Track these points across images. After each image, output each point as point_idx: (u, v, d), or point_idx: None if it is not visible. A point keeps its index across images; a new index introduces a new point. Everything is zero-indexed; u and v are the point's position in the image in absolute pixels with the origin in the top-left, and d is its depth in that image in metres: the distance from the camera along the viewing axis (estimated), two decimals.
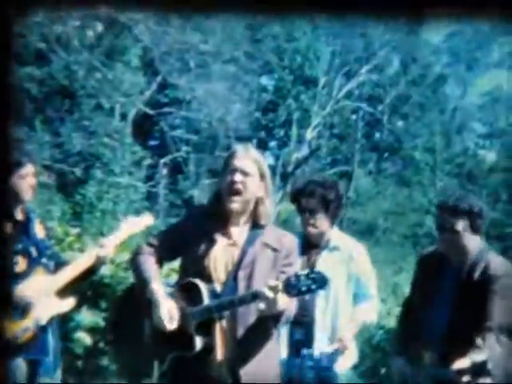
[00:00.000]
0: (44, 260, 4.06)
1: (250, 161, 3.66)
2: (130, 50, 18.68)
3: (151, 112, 20.98)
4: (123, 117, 20.61)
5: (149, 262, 3.71)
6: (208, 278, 3.57)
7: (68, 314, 4.60)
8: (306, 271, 3.36)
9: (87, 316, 5.50)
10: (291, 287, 3.35)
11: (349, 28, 24.97)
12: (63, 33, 12.27)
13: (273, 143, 28.92)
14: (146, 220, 4.27)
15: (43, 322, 3.94)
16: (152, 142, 24.42)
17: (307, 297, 4.04)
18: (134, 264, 3.74)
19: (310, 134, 26.45)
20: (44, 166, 16.44)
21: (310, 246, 4.44)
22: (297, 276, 3.36)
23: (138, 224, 4.25)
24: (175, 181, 24.11)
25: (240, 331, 3.55)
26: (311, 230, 4.39)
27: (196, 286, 3.55)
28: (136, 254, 3.75)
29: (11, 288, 3.88)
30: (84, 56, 16.67)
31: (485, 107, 30.11)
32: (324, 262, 4.35)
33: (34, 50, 17.82)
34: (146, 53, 18.69)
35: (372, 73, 26.75)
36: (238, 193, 3.60)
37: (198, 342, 3.50)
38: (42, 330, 3.94)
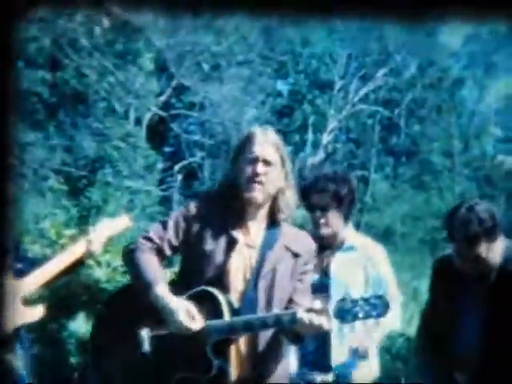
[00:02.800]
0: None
1: (271, 147, 3.20)
2: (143, 53, 18.52)
3: (164, 115, 20.80)
4: (137, 121, 20.48)
5: (150, 260, 3.14)
6: (224, 287, 3.08)
7: (62, 323, 4.09)
8: (365, 295, 3.02)
9: (83, 325, 4.94)
10: (345, 313, 2.96)
11: (365, 31, 24.72)
12: (70, 29, 12.06)
13: (288, 148, 28.65)
14: (123, 222, 3.70)
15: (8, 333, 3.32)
16: (167, 149, 24.27)
17: None
18: (131, 263, 3.18)
19: (325, 138, 26.19)
20: (55, 170, 16.33)
21: (322, 246, 3.92)
22: (353, 301, 2.96)
23: (113, 227, 3.65)
24: (189, 186, 23.91)
25: (258, 351, 3.13)
26: (323, 229, 3.95)
27: (212, 297, 3.04)
28: (131, 251, 3.18)
29: None
30: (96, 59, 16.53)
31: (503, 111, 29.71)
32: (338, 265, 3.96)
33: (46, 54, 17.73)
34: (160, 56, 18.56)
35: (389, 76, 26.44)
36: (260, 183, 3.15)
37: (215, 365, 3.00)
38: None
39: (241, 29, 17.61)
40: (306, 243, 3.27)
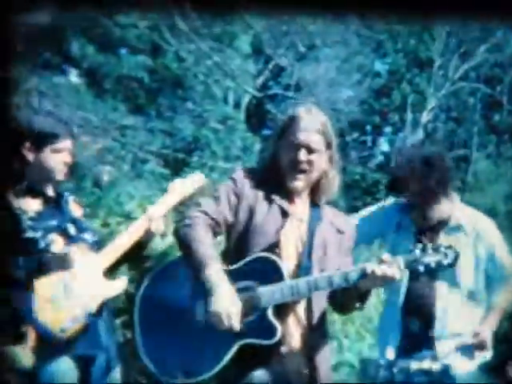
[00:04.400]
0: (86, 237, 3.50)
1: (315, 133, 3.07)
2: (240, 36, 18.62)
3: (262, 97, 20.84)
4: (236, 104, 20.62)
5: (205, 237, 2.98)
6: (279, 257, 3.00)
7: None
8: (434, 244, 2.94)
9: None
10: (416, 262, 2.91)
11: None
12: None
13: (387, 129, 28.35)
14: (197, 180, 3.70)
15: (93, 309, 3.35)
16: (265, 131, 24.37)
17: (424, 281, 3.63)
18: (185, 239, 2.99)
19: (425, 117, 25.74)
20: (154, 153, 16.60)
21: (423, 228, 3.84)
22: (423, 249, 2.92)
23: (187, 185, 3.67)
24: None
25: (316, 316, 3.05)
26: (424, 222, 3.81)
27: (271, 262, 2.96)
28: (186, 226, 3.02)
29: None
30: (195, 43, 16.72)
31: None
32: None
33: (147, 40, 18.04)
34: (256, 38, 18.62)
35: (490, 53, 25.76)
36: (303, 172, 3.08)
37: (279, 329, 2.90)
38: (93, 319, 3.34)
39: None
40: (348, 222, 3.28)
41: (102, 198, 10.66)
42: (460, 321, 3.80)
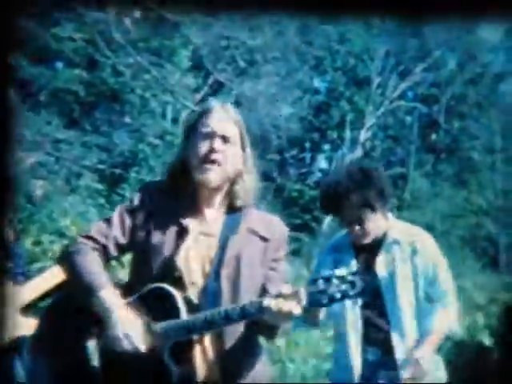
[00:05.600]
0: (16, 269, 3.23)
1: (231, 123, 2.83)
2: (179, 50, 18.41)
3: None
4: (175, 119, 20.41)
5: (93, 262, 2.68)
6: (178, 282, 2.67)
7: None
8: (340, 271, 2.55)
9: None
10: (319, 295, 2.52)
11: (403, 27, 24.39)
12: (102, 23, 12.01)
13: (326, 146, 28.47)
14: None
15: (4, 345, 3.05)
16: None
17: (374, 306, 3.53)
18: (71, 265, 2.70)
19: (363, 135, 25.90)
20: (89, 168, 16.28)
21: (362, 247, 3.73)
22: (326, 279, 2.53)
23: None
24: None
25: (227, 350, 2.71)
26: (364, 239, 3.69)
27: (167, 295, 2.62)
28: (70, 253, 2.73)
29: None
30: (132, 57, 16.47)
31: None
32: (382, 263, 3.67)
33: (83, 53, 17.76)
34: (196, 52, 18.45)
35: (427, 72, 26.06)
36: (216, 163, 2.75)
37: (176, 373, 2.58)
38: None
39: (277, 24, 17.43)
40: (275, 227, 2.88)
41: (34, 214, 10.35)
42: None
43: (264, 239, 2.81)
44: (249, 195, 2.85)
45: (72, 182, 16.09)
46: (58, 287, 3.26)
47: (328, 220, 22.59)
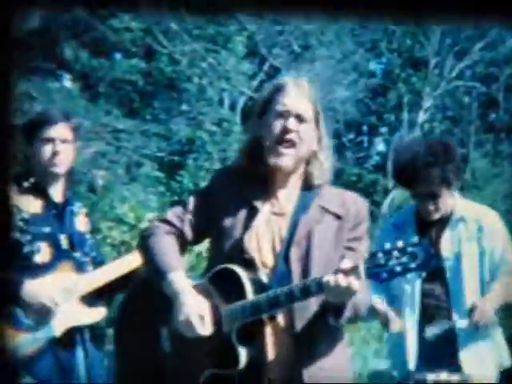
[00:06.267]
0: (77, 255, 3.26)
1: (305, 100, 2.68)
2: (234, 37, 18.48)
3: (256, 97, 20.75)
4: (232, 106, 20.49)
5: (167, 245, 2.66)
6: (250, 263, 2.61)
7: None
8: (399, 244, 2.40)
9: None
10: (379, 269, 2.39)
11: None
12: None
13: (384, 129, 28.26)
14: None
15: (56, 333, 3.10)
16: None
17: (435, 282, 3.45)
18: (146, 248, 2.71)
19: (421, 117, 25.65)
20: (149, 156, 16.45)
21: (427, 224, 3.68)
22: (386, 252, 2.40)
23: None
24: None
25: (299, 331, 2.59)
26: (434, 214, 3.63)
27: (234, 276, 2.57)
28: (147, 236, 2.73)
29: (17, 279, 3.02)
30: (188, 45, 16.60)
31: None
32: (447, 241, 3.62)
33: (140, 43, 17.94)
34: (251, 39, 18.49)
35: (485, 51, 25.67)
36: (291, 144, 2.64)
37: (243, 355, 2.52)
38: (61, 345, 3.08)
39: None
40: (351, 203, 2.72)
41: (96, 203, 10.57)
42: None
43: (338, 217, 2.68)
44: (324, 174, 2.75)
45: (132, 170, 16.28)
46: (123, 278, 3.31)
47: (387, 202, 22.50)
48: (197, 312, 2.52)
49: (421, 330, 3.65)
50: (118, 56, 19.86)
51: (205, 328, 2.53)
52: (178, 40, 17.50)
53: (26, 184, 3.24)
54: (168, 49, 17.43)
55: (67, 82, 19.51)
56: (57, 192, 3.34)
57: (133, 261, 3.31)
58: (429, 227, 3.70)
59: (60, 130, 3.29)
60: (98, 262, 3.40)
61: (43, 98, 15.09)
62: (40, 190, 3.28)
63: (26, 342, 3.03)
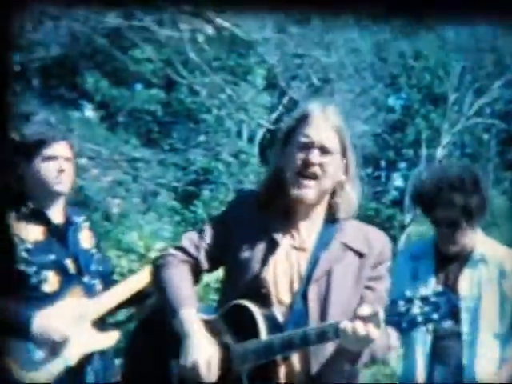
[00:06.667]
0: (85, 279, 3.13)
1: (330, 131, 2.50)
2: (254, 69, 18.59)
3: (274, 129, 20.80)
4: (250, 138, 20.55)
5: (180, 277, 2.53)
6: (265, 299, 2.47)
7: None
8: (421, 292, 2.39)
9: None
10: (400, 318, 2.27)
11: (479, 43, 24.09)
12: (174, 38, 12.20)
13: (402, 164, 28.23)
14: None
15: (72, 362, 2.99)
16: None
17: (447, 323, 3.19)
18: (159, 278, 2.56)
19: (440, 153, 25.61)
20: (166, 186, 16.48)
21: (445, 258, 3.43)
22: (407, 300, 2.29)
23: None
24: None
25: (314, 374, 2.45)
26: (451, 247, 3.38)
27: (247, 312, 2.43)
28: (161, 265, 2.59)
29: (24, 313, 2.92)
30: (207, 76, 16.68)
31: None
32: (466, 280, 3.38)
33: (160, 74, 18.07)
34: (270, 71, 18.59)
35: (505, 88, 25.64)
36: (314, 177, 2.49)
37: None
38: (73, 373, 2.96)
39: (351, 41, 17.44)
40: (374, 241, 2.57)
41: (111, 231, 10.56)
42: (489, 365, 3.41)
43: (360, 255, 2.54)
44: (351, 207, 2.58)
45: (148, 200, 16.30)
46: (130, 300, 3.22)
47: (404, 238, 22.39)
48: (204, 358, 2.39)
49: (432, 370, 3.45)
50: (138, 86, 20.01)
51: (211, 375, 2.40)
52: (198, 71, 17.60)
53: (24, 210, 3.10)
54: (188, 80, 17.49)
55: (88, 111, 19.64)
56: (56, 213, 3.19)
57: (142, 279, 3.21)
58: (447, 262, 3.45)
59: (62, 148, 3.17)
60: (106, 275, 3.28)
61: (62, 126, 15.18)
62: (39, 215, 3.14)
63: (41, 375, 2.95)
